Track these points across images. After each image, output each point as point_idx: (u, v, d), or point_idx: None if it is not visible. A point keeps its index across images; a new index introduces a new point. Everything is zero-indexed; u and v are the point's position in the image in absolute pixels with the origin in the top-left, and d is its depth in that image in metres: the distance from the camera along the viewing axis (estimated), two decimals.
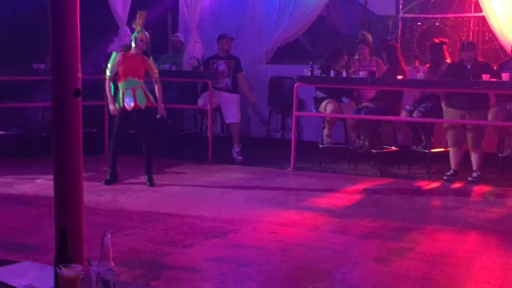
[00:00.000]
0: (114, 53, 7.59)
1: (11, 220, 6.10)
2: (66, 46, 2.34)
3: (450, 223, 6.19)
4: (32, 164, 8.34)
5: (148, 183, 7.55)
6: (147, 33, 7.58)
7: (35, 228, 5.82)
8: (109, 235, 2.23)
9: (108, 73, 7.47)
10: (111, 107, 7.51)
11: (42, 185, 7.34)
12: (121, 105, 7.39)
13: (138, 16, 7.74)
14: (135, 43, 7.50)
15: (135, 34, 7.58)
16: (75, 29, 2.36)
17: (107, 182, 7.54)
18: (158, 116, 7.73)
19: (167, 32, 12.33)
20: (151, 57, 7.83)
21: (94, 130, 9.13)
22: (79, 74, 2.39)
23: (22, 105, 9.59)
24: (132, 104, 7.36)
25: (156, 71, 7.67)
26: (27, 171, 8.10)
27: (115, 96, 7.49)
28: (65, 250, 2.28)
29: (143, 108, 7.41)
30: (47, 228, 5.51)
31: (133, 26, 7.82)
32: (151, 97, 7.55)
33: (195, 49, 10.19)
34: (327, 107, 8.75)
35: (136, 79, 7.46)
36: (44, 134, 9.44)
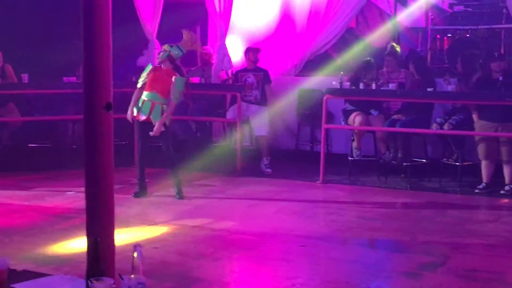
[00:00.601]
0: (149, 65, 7.72)
1: (42, 233, 6.14)
2: (98, 60, 2.36)
3: (482, 237, 6.09)
4: (63, 176, 8.41)
5: (177, 196, 7.50)
6: (166, 46, 7.58)
7: (66, 240, 5.85)
8: (140, 249, 2.23)
9: (139, 83, 7.54)
10: (128, 112, 7.47)
11: (73, 197, 7.39)
12: (135, 113, 7.41)
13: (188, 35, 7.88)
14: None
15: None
16: (107, 43, 2.37)
17: (136, 195, 7.52)
18: (150, 133, 7.39)
19: (196, 45, 12.40)
20: (181, 77, 7.76)
21: (125, 143, 9.18)
22: (111, 88, 2.40)
23: (53, 118, 9.70)
24: (144, 117, 7.34)
25: (178, 90, 7.46)
26: (58, 183, 8.16)
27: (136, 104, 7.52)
28: (97, 264, 2.29)
29: (154, 124, 7.35)
30: (78, 241, 5.56)
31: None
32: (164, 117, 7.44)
33: (224, 61, 10.22)
34: (355, 119, 8.71)
35: (159, 94, 7.40)
36: (74, 147, 9.53)
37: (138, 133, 7.62)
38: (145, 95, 7.39)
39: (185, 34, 7.77)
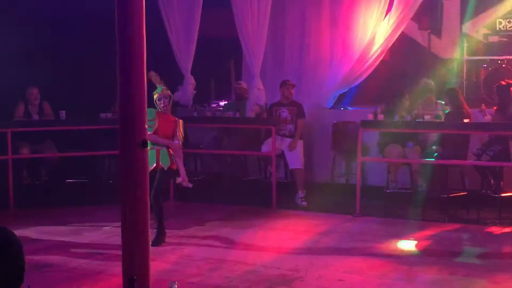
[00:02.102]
0: (151, 109, 6.90)
1: (79, 268, 6.18)
2: (133, 99, 2.39)
3: None
4: (99, 211, 8.47)
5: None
6: (164, 89, 7.07)
7: (102, 276, 5.87)
8: (176, 286, 2.22)
9: (150, 128, 6.88)
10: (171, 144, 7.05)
11: (110, 232, 7.42)
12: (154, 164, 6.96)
13: (150, 77, 6.81)
14: (157, 106, 7.06)
15: (154, 96, 7.06)
16: (141, 83, 2.40)
17: (153, 243, 6.44)
18: (178, 182, 7.31)
19: (230, 79, 12.51)
20: (181, 120, 7.27)
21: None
22: (146, 126, 2.42)
23: (89, 154, 9.83)
24: (154, 165, 6.88)
25: (182, 133, 7.18)
26: (95, 218, 8.22)
27: None
28: None
29: (165, 169, 7.04)
30: (113, 276, 5.57)
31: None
32: (175, 159, 7.11)
33: (258, 96, 10.26)
34: (391, 151, 8.66)
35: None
36: (110, 182, 9.61)
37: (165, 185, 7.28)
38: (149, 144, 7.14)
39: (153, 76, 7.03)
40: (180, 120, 7.20)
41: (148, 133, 6.61)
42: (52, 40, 10.31)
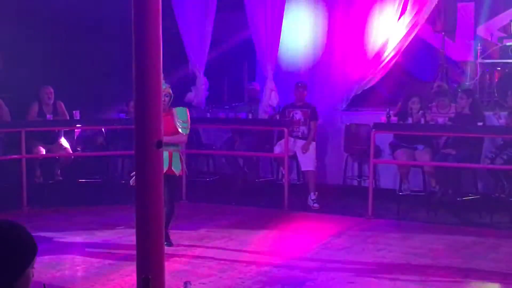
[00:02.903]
0: (182, 108, 6.91)
1: (92, 267, 6.21)
2: (149, 99, 2.40)
3: None
4: (113, 211, 8.50)
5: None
6: (167, 86, 6.64)
7: (115, 275, 5.90)
8: (190, 287, 2.23)
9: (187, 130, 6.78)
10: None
11: (123, 232, 7.45)
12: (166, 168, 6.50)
13: None
14: None
15: None
16: (157, 83, 2.41)
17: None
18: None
19: (243, 81, 12.52)
20: (183, 107, 6.91)
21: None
22: (162, 126, 2.43)
23: (103, 154, 9.88)
24: (165, 169, 6.30)
25: (182, 119, 6.72)
26: (108, 218, 8.25)
27: None
28: None
29: (177, 175, 6.69)
30: (127, 276, 5.60)
31: None
32: (184, 165, 6.84)
33: (271, 97, 10.28)
34: (399, 154, 8.67)
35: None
36: (123, 182, 9.65)
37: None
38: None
39: None
40: (174, 109, 6.73)
41: (184, 134, 6.67)
42: (67, 39, 10.35)
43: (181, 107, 6.79)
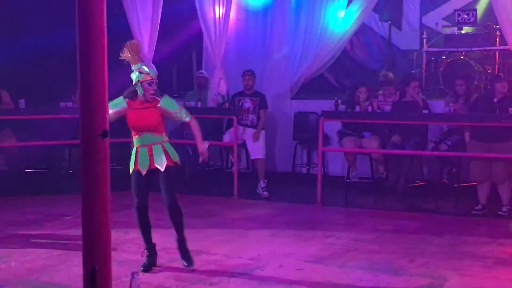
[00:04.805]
0: (121, 98, 5.73)
1: (39, 259, 6.13)
2: (94, 88, 2.37)
3: (479, 259, 6.08)
4: (60, 201, 8.40)
5: (185, 263, 5.79)
6: (154, 70, 5.93)
7: (62, 267, 5.84)
8: (137, 276, 2.23)
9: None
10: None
11: (70, 222, 7.37)
12: (133, 167, 5.75)
13: (130, 47, 5.70)
14: (142, 89, 5.61)
15: (137, 76, 5.61)
16: (102, 71, 2.38)
17: (145, 269, 5.70)
18: (200, 161, 6.08)
19: (192, 69, 12.47)
20: (164, 95, 5.81)
21: (121, 167, 9.17)
22: (107, 116, 2.41)
23: (49, 143, 9.72)
24: (147, 168, 5.68)
25: (175, 110, 5.80)
26: (55, 208, 8.14)
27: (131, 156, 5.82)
28: None
29: (162, 170, 5.69)
30: (74, 266, 5.55)
31: (125, 61, 5.72)
32: (173, 154, 5.76)
33: (220, 85, 10.26)
34: (346, 142, 8.79)
35: (153, 133, 5.69)
36: (71, 171, 9.53)
37: (136, 187, 5.80)
38: (137, 142, 5.73)
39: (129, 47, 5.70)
40: (159, 103, 5.70)
41: (191, 118, 5.79)
42: (10, 28, 10.14)
43: (166, 98, 5.75)
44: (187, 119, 5.84)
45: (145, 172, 5.68)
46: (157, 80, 5.73)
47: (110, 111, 5.15)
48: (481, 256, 6.18)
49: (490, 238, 6.86)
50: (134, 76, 5.64)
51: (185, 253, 5.83)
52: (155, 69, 6.82)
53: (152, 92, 5.63)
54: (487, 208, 7.87)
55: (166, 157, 5.69)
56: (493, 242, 6.71)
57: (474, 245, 6.68)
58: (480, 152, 7.85)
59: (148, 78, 5.60)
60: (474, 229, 7.39)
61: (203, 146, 5.88)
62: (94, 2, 2.38)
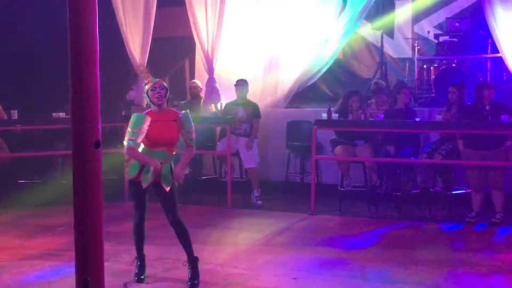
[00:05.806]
0: (137, 114, 5.52)
1: (32, 270, 6.10)
2: (86, 99, 2.37)
3: (473, 266, 6.08)
4: (53, 212, 8.37)
5: (189, 283, 5.57)
6: (160, 79, 5.61)
7: (55, 277, 5.81)
8: (130, 287, 2.22)
9: (130, 142, 5.42)
10: (152, 164, 5.47)
11: (63, 234, 7.34)
12: (135, 174, 5.57)
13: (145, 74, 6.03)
14: (149, 97, 5.54)
15: (145, 89, 5.62)
16: (94, 82, 2.39)
17: (138, 279, 5.57)
18: (175, 182, 5.68)
19: (184, 79, 12.48)
20: (185, 111, 5.78)
21: (114, 178, 9.15)
22: (99, 126, 2.41)
23: (42, 154, 9.69)
24: (150, 182, 5.54)
25: (189, 129, 5.62)
26: (49, 220, 8.10)
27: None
28: None
29: (166, 190, 5.58)
30: (68, 277, 5.51)
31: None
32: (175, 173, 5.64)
33: (212, 94, 10.26)
34: (339, 151, 8.79)
35: (168, 151, 5.57)
36: (64, 182, 9.50)
37: (139, 198, 5.68)
38: (146, 154, 5.56)
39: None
40: (180, 116, 5.61)
41: (129, 146, 5.40)
42: (2, 38, 10.12)
43: (186, 113, 5.64)
44: (190, 144, 5.69)
45: (146, 186, 5.55)
46: (163, 85, 5.58)
47: (136, 131, 5.34)
48: (475, 263, 6.18)
49: (484, 246, 6.86)
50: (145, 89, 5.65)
51: (194, 275, 5.61)
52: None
53: (157, 95, 5.48)
54: (480, 216, 7.88)
55: (171, 176, 5.58)
56: (487, 249, 6.71)
57: (467, 252, 6.69)
58: (475, 160, 7.85)
59: (151, 84, 5.55)
60: (468, 237, 7.40)
61: (182, 170, 5.68)
62: (86, 11, 2.39)
